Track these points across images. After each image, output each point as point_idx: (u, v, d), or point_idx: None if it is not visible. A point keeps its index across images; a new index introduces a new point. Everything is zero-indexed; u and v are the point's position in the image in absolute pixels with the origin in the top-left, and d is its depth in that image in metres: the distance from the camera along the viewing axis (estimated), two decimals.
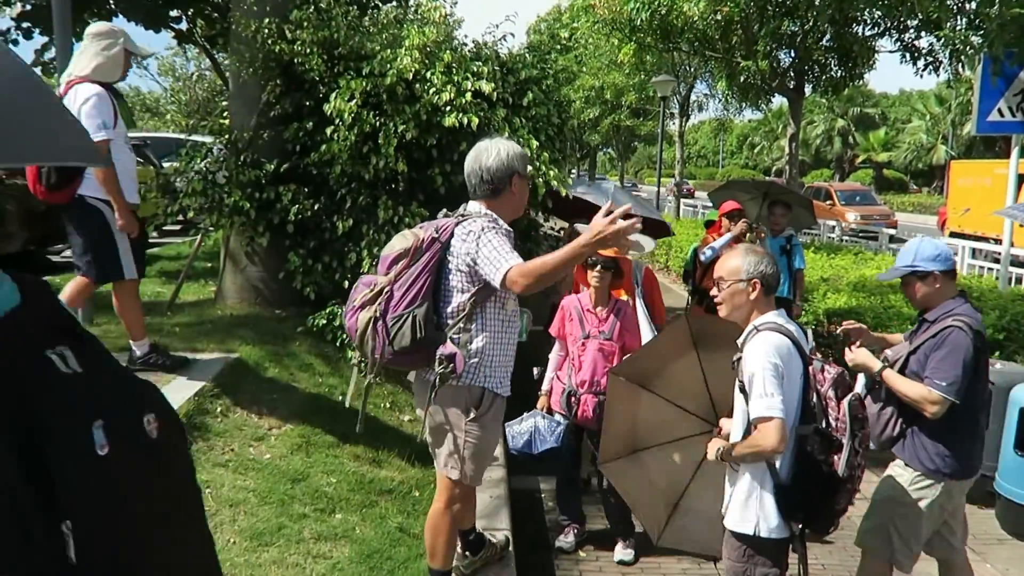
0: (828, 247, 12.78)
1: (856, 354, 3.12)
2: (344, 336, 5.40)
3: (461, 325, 2.80)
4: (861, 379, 3.31)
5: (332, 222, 5.59)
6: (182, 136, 12.09)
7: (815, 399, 2.57)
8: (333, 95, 5.31)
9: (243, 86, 5.93)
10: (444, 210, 3.06)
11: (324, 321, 5.44)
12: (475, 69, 5.46)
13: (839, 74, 12.90)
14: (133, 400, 1.20)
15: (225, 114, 6.60)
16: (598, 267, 4.11)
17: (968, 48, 8.99)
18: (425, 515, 3.93)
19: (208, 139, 6.78)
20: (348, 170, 5.50)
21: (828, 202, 23.54)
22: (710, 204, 8.24)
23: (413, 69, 5.28)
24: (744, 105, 16.44)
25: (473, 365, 2.82)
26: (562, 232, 5.68)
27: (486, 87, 5.30)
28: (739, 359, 2.60)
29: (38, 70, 8.84)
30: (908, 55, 11.51)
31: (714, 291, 2.73)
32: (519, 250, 2.79)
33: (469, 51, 5.91)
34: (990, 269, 10.45)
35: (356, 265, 5.42)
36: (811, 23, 11.58)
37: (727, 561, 2.69)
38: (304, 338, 5.49)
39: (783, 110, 39.40)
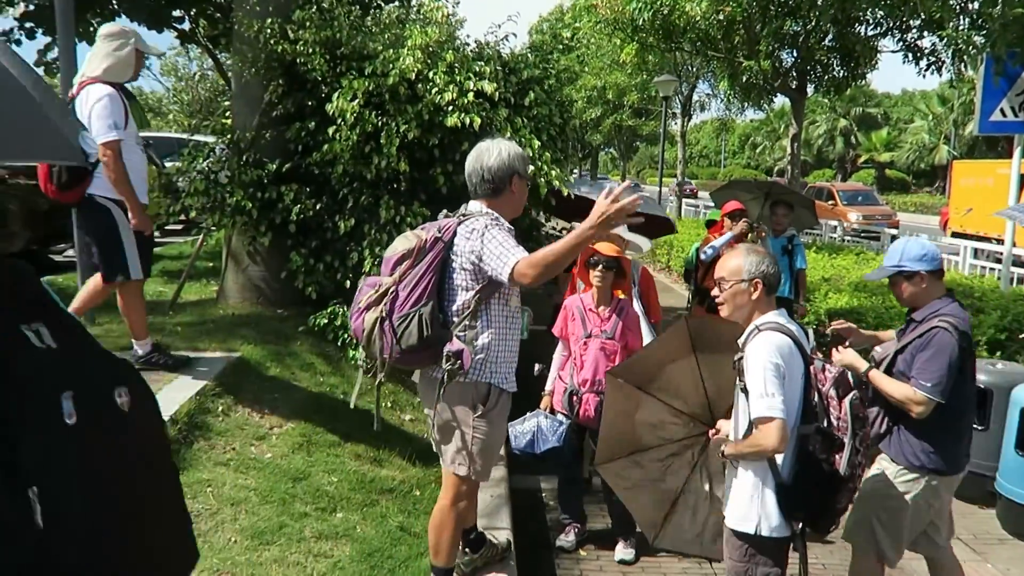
0: (830, 247, 12.78)
1: (844, 354, 3.14)
2: (345, 336, 5.41)
3: (467, 322, 2.83)
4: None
5: (334, 222, 5.59)
6: (184, 136, 12.12)
7: (816, 398, 2.57)
8: (335, 95, 5.31)
9: (245, 86, 5.94)
10: (444, 211, 3.08)
11: (325, 321, 5.45)
12: (477, 69, 5.47)
13: (841, 74, 12.89)
14: (105, 375, 1.24)
15: (227, 114, 6.62)
16: (600, 267, 4.11)
17: (971, 48, 8.99)
18: (426, 514, 3.94)
19: (210, 139, 6.79)
20: (350, 170, 5.51)
21: (830, 202, 23.52)
22: (712, 204, 8.23)
23: (415, 69, 5.29)
24: (746, 105, 16.44)
25: (479, 361, 2.85)
26: (563, 232, 5.68)
27: (488, 87, 5.30)
28: (740, 359, 2.60)
29: (40, 70, 8.87)
30: (911, 55, 11.50)
31: (715, 291, 2.73)
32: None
33: (471, 51, 5.91)
34: (992, 269, 10.44)
35: (358, 265, 5.43)
36: (813, 23, 11.57)
37: (728, 560, 2.69)
38: (305, 337, 5.50)
39: (785, 110, 39.39)
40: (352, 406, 3.52)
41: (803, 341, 2.61)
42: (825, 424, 2.55)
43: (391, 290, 2.80)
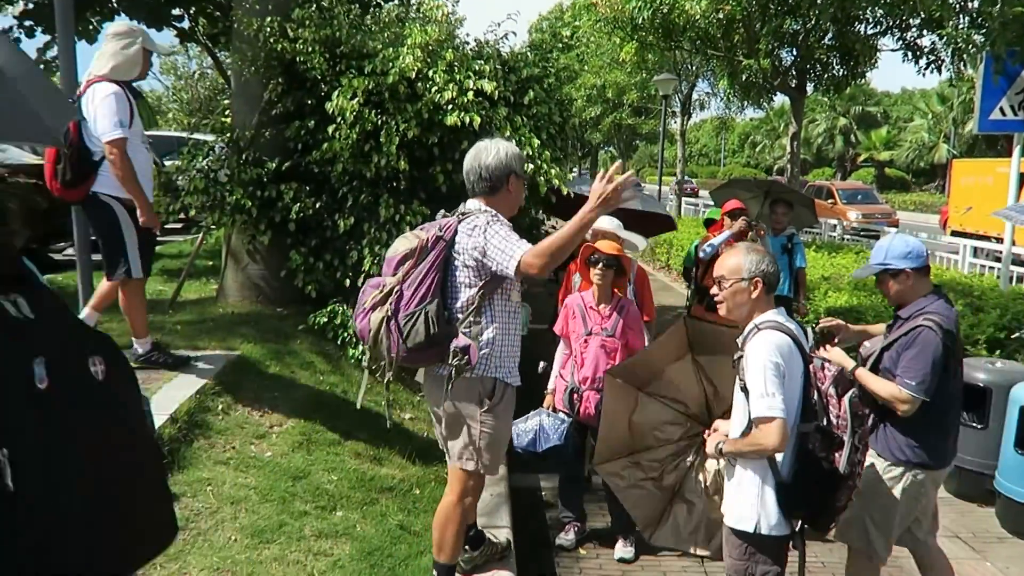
0: (829, 246, 12.78)
1: (830, 353, 3.16)
2: (345, 334, 5.41)
3: (471, 318, 2.87)
4: None
5: (333, 220, 5.59)
6: (184, 134, 12.10)
7: (816, 397, 2.57)
8: (335, 93, 5.31)
9: (245, 84, 5.94)
10: (442, 210, 3.12)
11: (325, 319, 5.46)
12: (477, 68, 5.47)
13: (841, 73, 12.88)
14: (81, 345, 1.28)
15: (227, 112, 6.61)
16: (600, 264, 4.11)
17: (970, 47, 8.98)
18: (426, 512, 3.95)
19: (210, 137, 6.79)
20: (350, 168, 5.51)
21: (830, 201, 23.52)
22: (712, 202, 8.23)
23: (415, 68, 5.29)
24: (746, 104, 16.41)
25: (484, 356, 2.89)
26: None
27: (488, 86, 5.30)
28: (740, 358, 2.61)
29: (39, 68, 8.85)
30: (910, 54, 11.50)
31: (714, 289, 2.74)
32: None
33: (471, 50, 5.92)
34: (991, 268, 10.44)
35: (357, 263, 5.43)
36: (813, 21, 11.57)
37: (728, 559, 2.70)
38: (305, 336, 5.50)
39: (785, 109, 39.39)
40: (359, 406, 3.54)
41: (802, 340, 2.61)
42: (825, 422, 2.55)
43: (395, 290, 2.82)
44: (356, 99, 5.28)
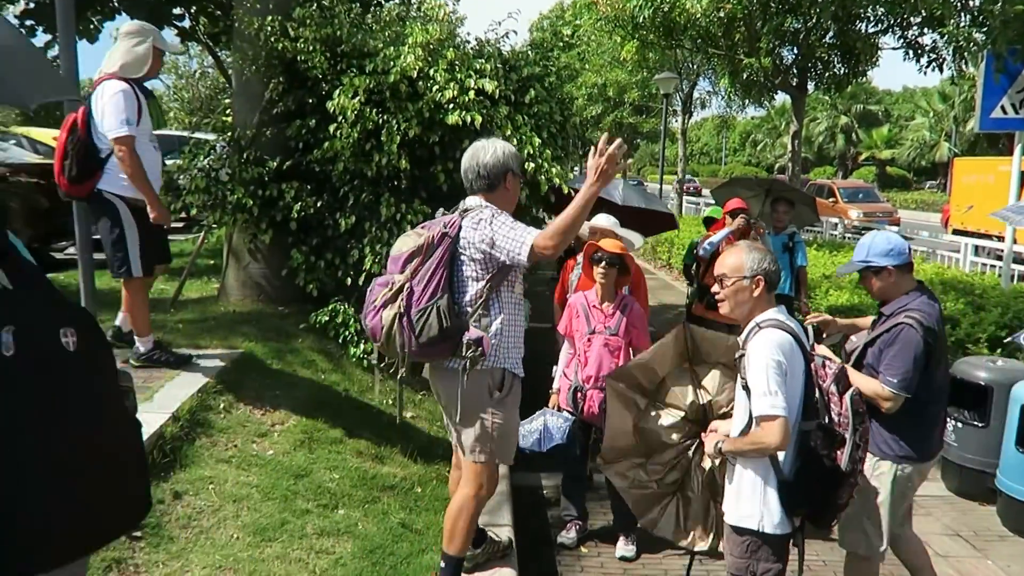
0: (831, 244, 12.78)
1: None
2: (346, 333, 5.42)
3: (480, 311, 2.92)
4: None
5: (335, 219, 5.60)
6: (185, 134, 12.12)
7: (817, 395, 2.58)
8: (336, 92, 5.32)
9: (246, 83, 5.94)
10: (441, 209, 3.18)
11: (327, 318, 5.46)
12: (478, 67, 5.47)
13: (842, 71, 12.86)
14: (53, 316, 1.31)
15: (228, 111, 6.62)
16: (603, 263, 4.11)
17: (971, 45, 8.98)
18: (427, 511, 3.96)
19: (211, 136, 6.79)
20: (351, 167, 5.51)
21: (831, 199, 23.51)
22: (712, 201, 8.21)
23: (416, 67, 5.29)
24: (747, 102, 16.39)
25: (493, 347, 2.94)
26: None
27: (489, 86, 5.30)
28: (741, 356, 2.61)
29: None
30: (911, 52, 11.47)
31: (716, 288, 2.74)
32: None
33: (472, 49, 5.91)
34: (993, 266, 10.44)
35: (358, 262, 5.44)
36: (814, 20, 11.56)
37: (729, 557, 2.70)
38: (307, 335, 5.51)
39: (786, 107, 39.33)
40: (377, 402, 3.54)
41: (803, 338, 2.61)
42: (826, 420, 2.56)
43: (405, 287, 2.87)
44: (357, 98, 5.28)
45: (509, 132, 5.34)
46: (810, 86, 13.39)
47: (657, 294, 12.15)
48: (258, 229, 5.78)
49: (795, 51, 12.86)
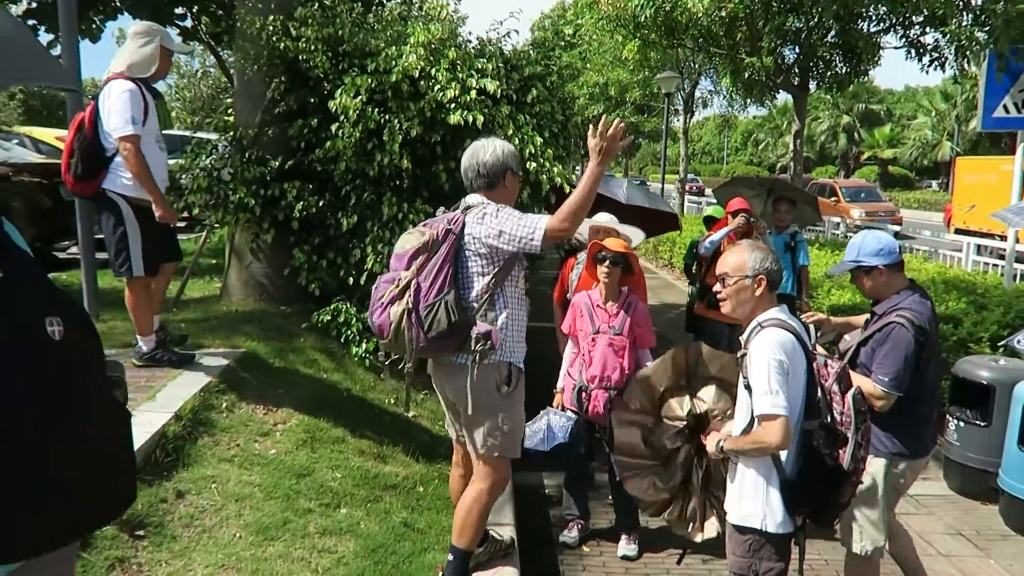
0: (833, 244, 12.76)
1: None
2: (349, 332, 5.42)
3: (486, 306, 2.96)
4: None
5: (337, 219, 5.60)
6: (187, 133, 12.13)
7: (820, 394, 2.58)
8: (338, 92, 5.32)
9: (248, 83, 5.94)
10: (442, 208, 3.23)
11: (329, 317, 5.46)
12: (479, 66, 5.47)
13: (844, 70, 12.82)
14: (39, 304, 1.32)
15: (230, 111, 6.62)
16: (607, 262, 4.11)
17: (973, 44, 8.96)
18: (429, 510, 3.97)
19: (213, 136, 6.79)
20: (353, 167, 5.52)
21: (833, 198, 23.50)
22: (714, 200, 8.20)
23: (418, 66, 5.29)
24: (748, 101, 16.33)
25: (500, 342, 2.97)
26: None
27: (490, 85, 5.30)
28: (743, 355, 2.61)
29: None
30: (913, 51, 11.45)
31: (717, 287, 2.74)
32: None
33: (473, 48, 5.91)
34: (995, 266, 10.43)
35: (360, 261, 5.44)
36: (816, 19, 11.53)
37: (731, 556, 2.70)
38: (309, 334, 5.51)
39: (788, 106, 39.27)
40: (406, 410, 3.54)
41: (805, 337, 2.61)
42: (828, 419, 2.56)
43: (412, 283, 2.90)
44: (359, 97, 5.29)
45: (511, 131, 5.34)
46: (812, 85, 13.36)
47: (659, 293, 12.15)
48: (260, 228, 5.78)
49: (797, 50, 12.83)
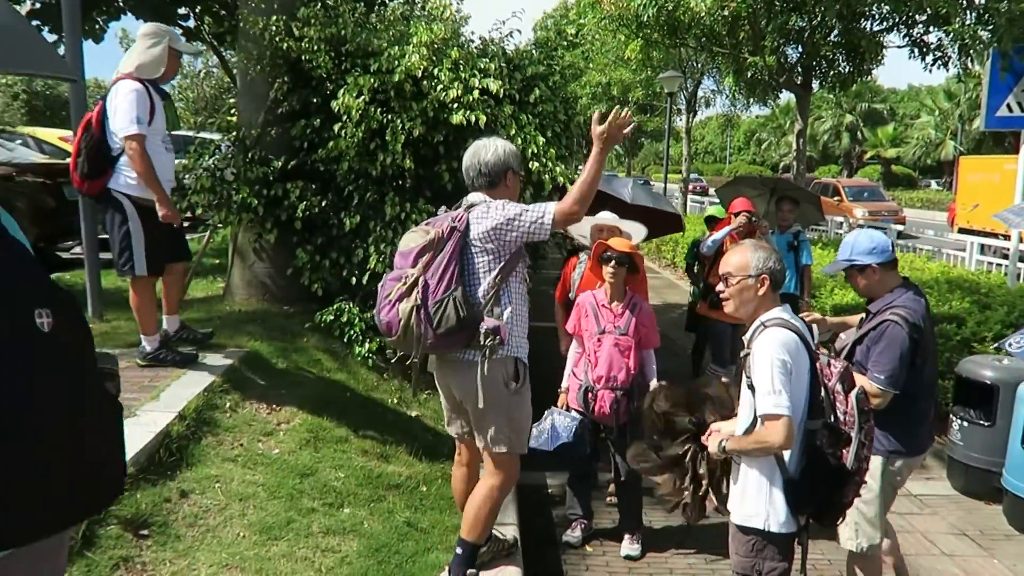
0: (835, 243, 12.73)
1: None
2: (351, 332, 5.42)
3: (492, 302, 2.99)
4: None
5: (339, 219, 5.61)
6: (190, 133, 12.14)
7: (823, 393, 2.57)
8: (341, 92, 5.32)
9: (251, 83, 5.95)
10: (443, 207, 3.25)
11: (332, 317, 5.47)
12: (482, 66, 5.47)
13: (847, 69, 12.80)
14: (29, 296, 1.32)
15: (233, 111, 6.63)
16: (613, 262, 4.11)
17: (977, 43, 8.94)
18: (432, 510, 3.97)
19: (216, 136, 6.80)
20: (355, 167, 5.52)
21: (836, 198, 23.46)
22: (717, 201, 8.19)
23: (421, 66, 5.29)
24: (751, 101, 16.31)
25: (507, 337, 3.00)
26: (564, 231, 5.68)
27: (493, 85, 5.30)
28: (746, 355, 2.61)
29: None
30: (916, 50, 11.43)
31: (720, 286, 2.73)
32: (525, 247, 3.10)
33: (476, 48, 5.92)
34: (999, 265, 10.41)
35: (363, 261, 5.44)
36: (819, 18, 11.52)
37: (735, 556, 2.70)
38: (312, 334, 5.52)
39: (790, 106, 39.18)
40: (413, 393, 3.65)
41: (808, 337, 2.61)
42: (832, 419, 2.55)
43: (419, 280, 2.92)
44: (362, 97, 5.29)
45: (513, 131, 5.34)
46: (815, 84, 13.34)
47: (662, 293, 12.15)
48: (263, 228, 5.79)
49: (800, 49, 12.81)
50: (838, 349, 3.31)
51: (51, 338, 1.32)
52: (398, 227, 5.34)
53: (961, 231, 16.54)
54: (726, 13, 11.35)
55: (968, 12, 9.45)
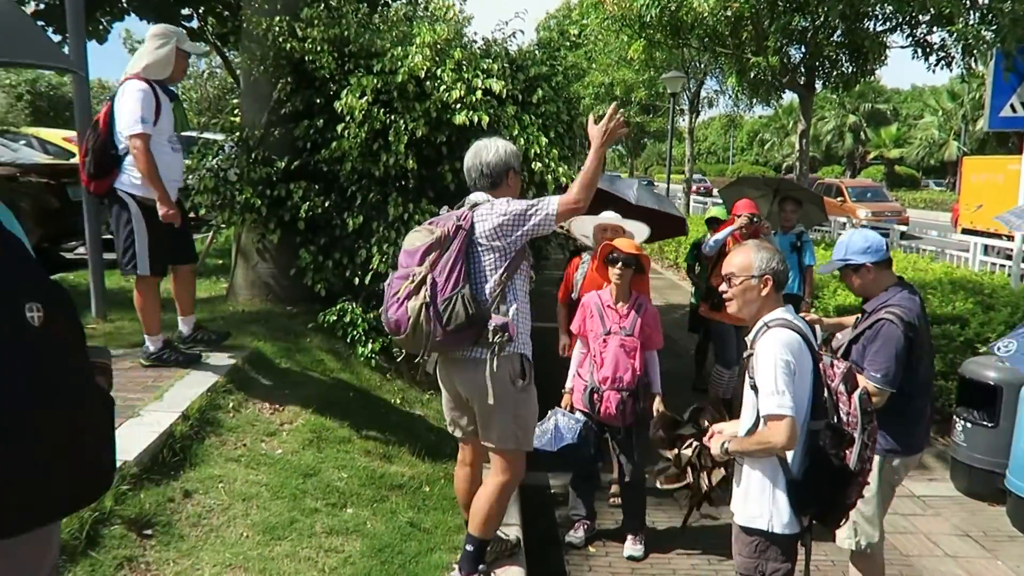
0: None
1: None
2: (355, 332, 5.43)
3: (499, 299, 3.02)
4: None
5: (342, 219, 5.61)
6: (193, 134, 12.16)
7: (826, 394, 2.57)
8: (344, 92, 5.33)
9: (254, 84, 5.96)
10: (445, 207, 3.29)
11: (335, 317, 5.47)
12: (485, 67, 5.47)
13: (850, 70, 12.78)
14: (20, 290, 1.33)
15: (236, 112, 6.64)
16: (620, 264, 4.10)
17: (980, 43, 8.92)
18: (435, 510, 3.98)
19: (219, 137, 6.81)
20: (358, 167, 5.53)
21: (839, 198, 23.43)
22: (719, 201, 8.17)
23: (424, 67, 5.30)
24: (754, 101, 16.29)
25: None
26: (565, 231, 5.69)
27: (496, 86, 5.30)
28: (749, 356, 2.61)
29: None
30: (920, 50, 11.41)
31: (723, 287, 2.73)
32: (528, 246, 3.13)
33: (479, 48, 5.92)
34: (1002, 266, 10.39)
35: (366, 262, 5.45)
36: (822, 18, 11.50)
37: (738, 557, 2.70)
38: (315, 334, 5.52)
39: (793, 106, 39.16)
40: (419, 377, 4.04)
41: (811, 337, 2.61)
42: (835, 419, 2.55)
43: (427, 278, 2.94)
44: (365, 98, 5.30)
45: (516, 132, 5.35)
46: (818, 85, 13.31)
47: (664, 294, 12.14)
48: (266, 229, 5.80)
49: (803, 50, 12.79)
50: (835, 349, 3.33)
51: (41, 333, 1.32)
52: (401, 227, 5.34)
53: (965, 232, 16.50)
54: (729, 13, 11.34)
55: (972, 12, 9.43)
